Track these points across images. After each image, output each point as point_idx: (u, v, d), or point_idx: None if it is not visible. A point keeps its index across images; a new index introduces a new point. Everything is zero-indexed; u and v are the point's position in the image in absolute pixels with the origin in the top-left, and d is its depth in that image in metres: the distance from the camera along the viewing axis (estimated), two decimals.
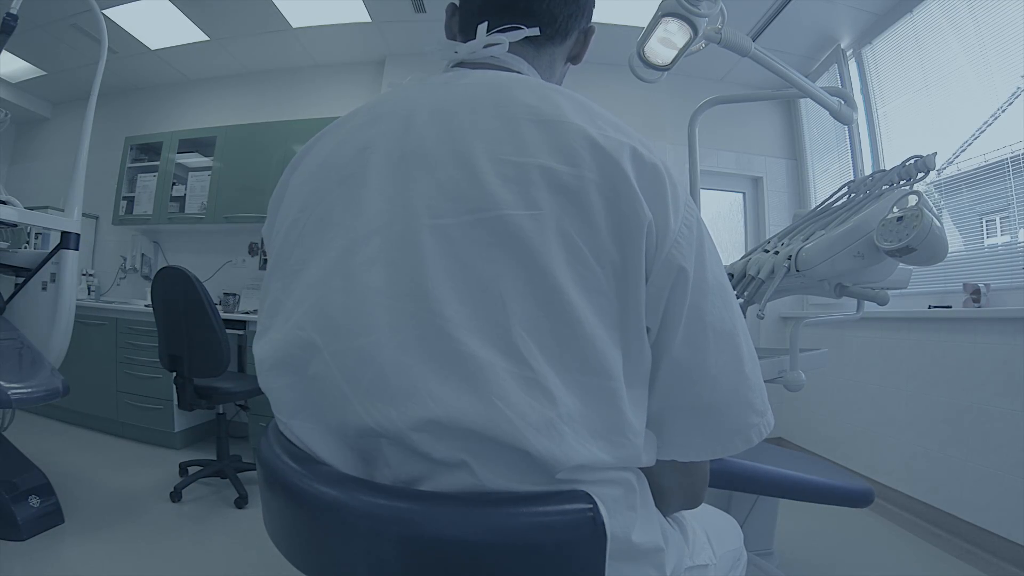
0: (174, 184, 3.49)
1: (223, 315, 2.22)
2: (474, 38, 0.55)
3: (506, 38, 0.54)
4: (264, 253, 3.48)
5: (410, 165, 0.44)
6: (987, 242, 2.11)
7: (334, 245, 0.44)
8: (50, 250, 2.08)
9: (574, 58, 0.63)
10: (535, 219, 0.39)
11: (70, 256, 2.09)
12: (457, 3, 0.60)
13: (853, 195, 1.28)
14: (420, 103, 0.48)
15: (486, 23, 0.55)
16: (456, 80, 0.50)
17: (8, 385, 1.61)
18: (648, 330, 0.42)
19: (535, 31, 0.55)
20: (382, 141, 0.47)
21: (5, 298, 2.09)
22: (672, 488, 0.50)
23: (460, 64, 0.56)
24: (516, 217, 0.39)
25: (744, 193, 3.50)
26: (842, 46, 2.91)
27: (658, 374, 0.43)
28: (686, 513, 0.68)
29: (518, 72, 0.55)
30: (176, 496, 2.09)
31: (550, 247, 0.39)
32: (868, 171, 2.05)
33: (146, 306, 2.75)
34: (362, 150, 0.47)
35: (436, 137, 0.45)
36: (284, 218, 0.51)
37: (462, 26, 0.59)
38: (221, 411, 2.32)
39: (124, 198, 3.60)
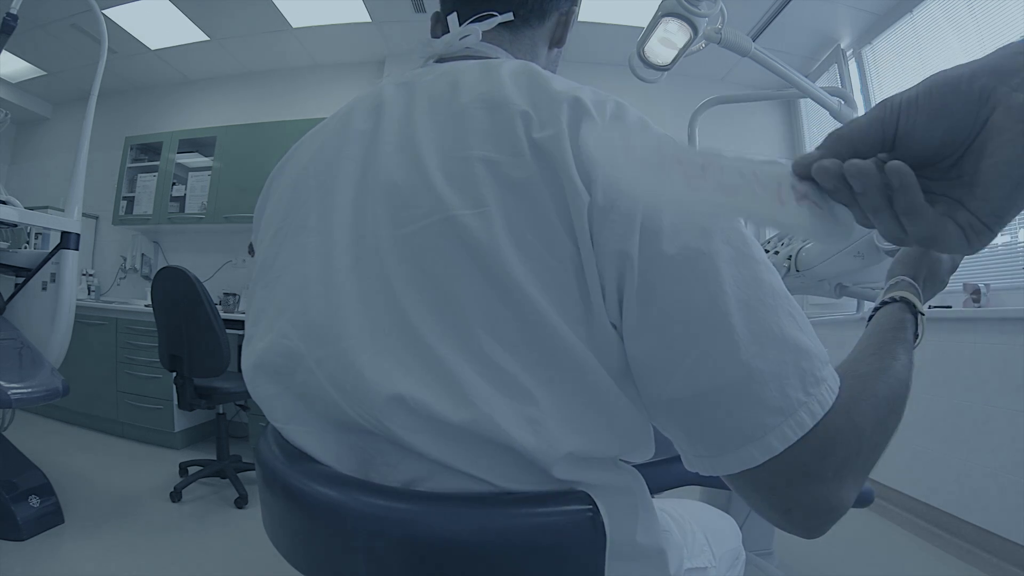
0: (174, 184, 3.49)
1: (223, 315, 2.22)
2: (449, 31, 0.54)
3: (478, 27, 0.53)
4: None
5: (375, 172, 0.44)
6: None
7: (312, 252, 0.44)
8: (50, 250, 2.08)
9: (557, 41, 0.60)
10: (482, 217, 0.37)
11: (70, 256, 2.08)
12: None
13: None
14: (388, 105, 0.48)
15: (455, 14, 0.54)
16: (422, 77, 0.49)
17: (8, 385, 1.61)
18: (615, 326, 0.38)
19: (508, 16, 0.54)
20: (353, 147, 0.47)
21: (5, 298, 2.09)
22: (754, 506, 0.39)
23: (440, 59, 0.55)
24: (463, 217, 0.38)
25: None
26: (842, 46, 2.90)
27: (631, 374, 0.39)
28: (684, 513, 0.69)
29: (493, 59, 0.52)
30: (176, 496, 2.09)
31: (501, 245, 0.37)
32: None
33: (146, 306, 2.75)
34: (336, 156, 0.47)
35: (397, 141, 0.44)
36: (268, 226, 0.51)
37: (440, 20, 0.58)
38: (221, 411, 2.32)
39: (124, 198, 3.61)
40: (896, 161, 0.28)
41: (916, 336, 0.48)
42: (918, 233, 0.28)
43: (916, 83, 0.29)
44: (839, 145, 0.30)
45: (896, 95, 0.29)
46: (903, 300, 0.50)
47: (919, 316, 0.49)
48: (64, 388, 1.77)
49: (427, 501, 0.38)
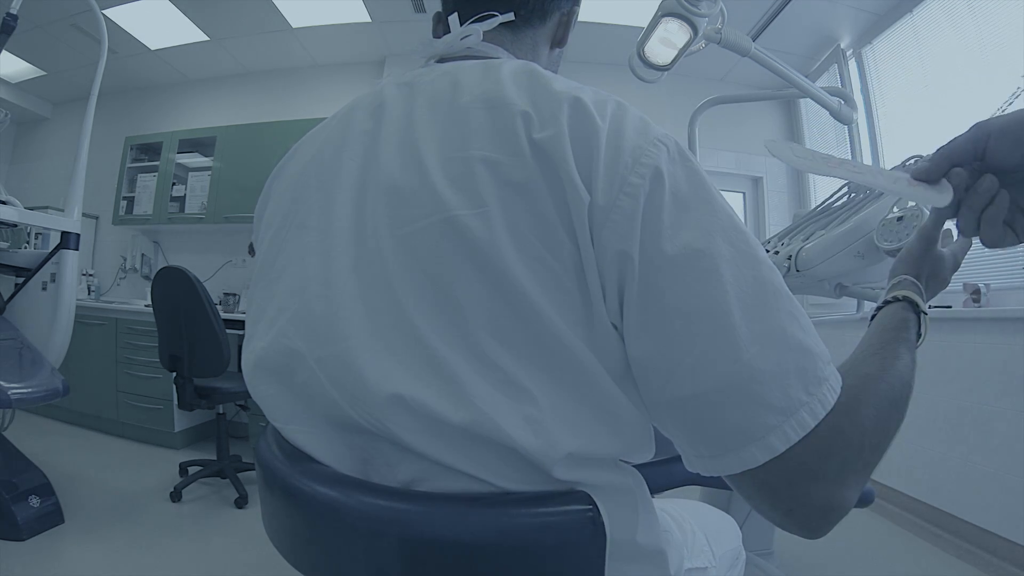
0: (174, 184, 3.49)
1: (223, 315, 2.22)
2: (450, 31, 0.54)
3: (479, 27, 0.53)
4: None
5: (376, 172, 0.44)
6: None
7: (312, 251, 0.45)
8: (50, 250, 2.08)
9: (559, 42, 0.61)
10: (482, 217, 0.37)
11: (70, 256, 2.09)
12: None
13: (853, 195, 1.28)
14: (389, 105, 0.48)
15: (456, 14, 0.54)
16: (423, 77, 0.49)
17: (8, 385, 1.61)
18: (616, 327, 0.38)
19: (509, 16, 0.54)
20: (354, 147, 0.47)
21: (5, 298, 2.09)
22: (756, 506, 0.38)
23: (441, 59, 0.55)
24: (463, 217, 0.37)
25: (744, 193, 3.50)
26: (842, 46, 2.91)
27: (632, 374, 0.39)
28: (684, 513, 0.69)
29: (494, 59, 0.52)
30: (176, 496, 2.09)
31: (501, 245, 0.36)
32: None
33: (146, 306, 2.76)
34: (336, 156, 0.47)
35: (397, 141, 0.44)
36: (268, 226, 0.51)
37: (441, 20, 0.59)
38: (221, 411, 2.32)
39: (124, 198, 3.61)
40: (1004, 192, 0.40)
41: (919, 335, 0.47)
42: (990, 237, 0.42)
43: (1008, 113, 0.40)
44: (944, 159, 0.43)
45: (991, 120, 0.41)
46: (905, 299, 0.49)
47: (922, 315, 0.48)
48: (64, 388, 1.77)
49: (427, 501, 0.38)
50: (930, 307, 0.51)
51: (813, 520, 0.36)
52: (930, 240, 0.55)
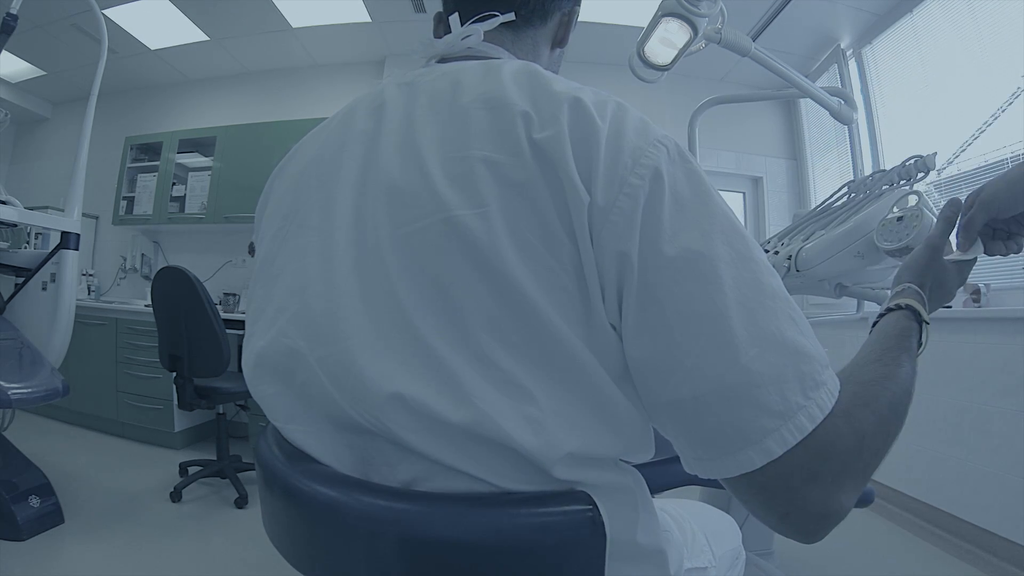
0: (174, 184, 3.49)
1: (223, 315, 2.22)
2: (451, 32, 0.54)
3: (480, 27, 0.53)
4: None
5: (376, 172, 0.44)
6: None
7: (313, 251, 0.45)
8: (50, 250, 2.08)
9: (559, 42, 0.61)
10: (482, 217, 0.37)
11: (70, 256, 2.09)
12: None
13: (853, 195, 1.28)
14: (390, 105, 0.48)
15: (457, 14, 0.54)
16: (423, 77, 0.49)
17: (8, 385, 1.61)
18: (615, 327, 0.38)
19: (510, 16, 0.54)
20: (354, 147, 0.47)
21: (5, 298, 2.09)
22: (752, 510, 0.38)
23: (442, 60, 0.55)
24: (464, 217, 0.37)
25: (744, 193, 3.50)
26: (842, 46, 2.91)
27: (631, 376, 0.39)
28: (684, 513, 0.69)
29: (494, 59, 0.52)
30: (176, 496, 2.09)
31: (501, 246, 0.37)
32: (868, 171, 2.05)
33: (146, 306, 2.76)
34: (337, 155, 0.48)
35: (398, 141, 0.44)
36: (269, 225, 0.51)
37: (442, 20, 0.59)
38: (221, 411, 2.32)
39: (124, 198, 3.61)
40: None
41: (919, 344, 0.47)
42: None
43: (991, 182, 0.57)
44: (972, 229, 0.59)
45: (985, 187, 0.57)
46: (908, 308, 0.49)
47: (923, 325, 0.48)
48: (64, 388, 1.77)
49: (427, 501, 0.38)
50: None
51: (809, 524, 0.35)
52: (936, 249, 0.56)
